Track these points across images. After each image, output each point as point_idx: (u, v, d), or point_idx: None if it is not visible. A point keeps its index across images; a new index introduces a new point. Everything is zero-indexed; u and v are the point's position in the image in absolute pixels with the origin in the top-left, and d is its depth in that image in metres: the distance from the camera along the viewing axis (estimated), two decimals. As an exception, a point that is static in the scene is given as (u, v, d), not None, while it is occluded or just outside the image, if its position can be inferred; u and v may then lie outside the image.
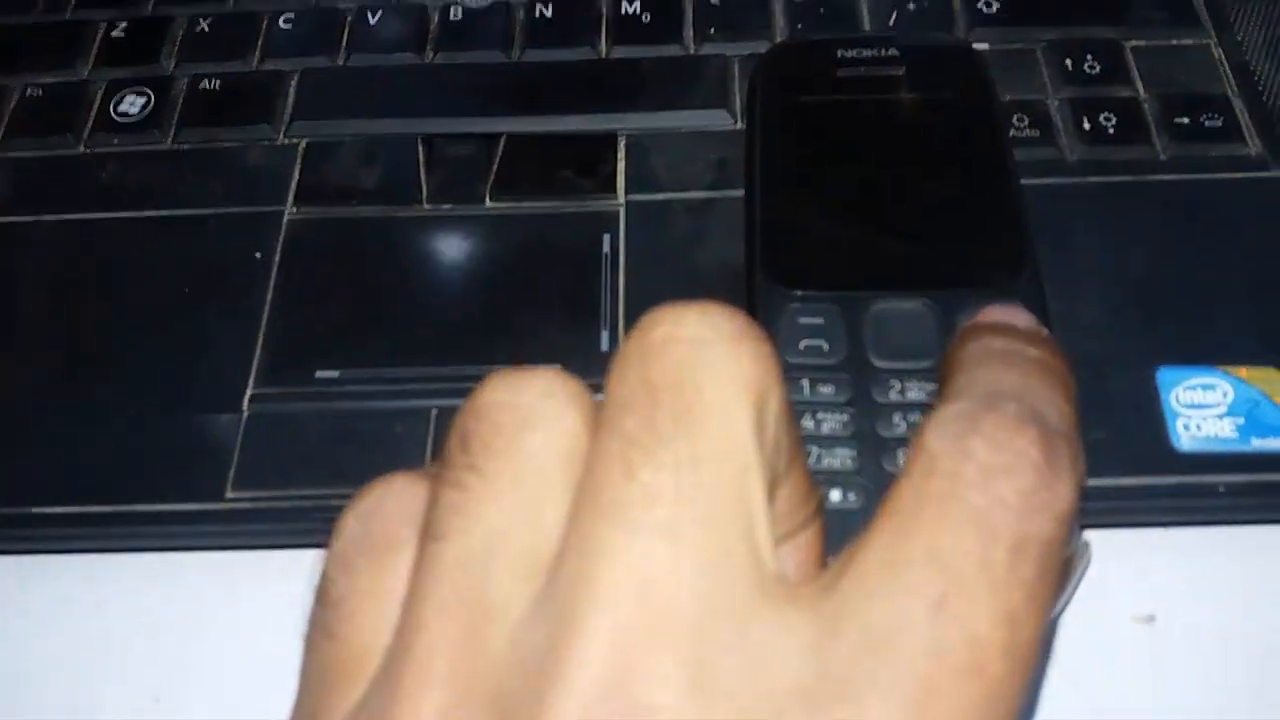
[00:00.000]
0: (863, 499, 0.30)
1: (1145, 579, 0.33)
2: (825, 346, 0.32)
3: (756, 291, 0.33)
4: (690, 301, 0.19)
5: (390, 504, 0.20)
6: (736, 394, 0.18)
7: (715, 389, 0.18)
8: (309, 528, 0.33)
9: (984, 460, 0.18)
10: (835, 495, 0.30)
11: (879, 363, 0.32)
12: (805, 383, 0.31)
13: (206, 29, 0.43)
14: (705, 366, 0.18)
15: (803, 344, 0.32)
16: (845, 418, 0.31)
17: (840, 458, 0.30)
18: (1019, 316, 0.25)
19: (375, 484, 0.20)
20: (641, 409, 0.17)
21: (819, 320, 0.32)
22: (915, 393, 0.31)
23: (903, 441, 0.30)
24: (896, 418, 0.31)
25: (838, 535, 0.22)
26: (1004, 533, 0.18)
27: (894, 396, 0.31)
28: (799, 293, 0.33)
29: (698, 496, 0.17)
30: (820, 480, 0.30)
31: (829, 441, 0.31)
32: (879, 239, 0.34)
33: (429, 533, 0.18)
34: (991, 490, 0.18)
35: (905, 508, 0.19)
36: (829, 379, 0.31)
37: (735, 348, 0.18)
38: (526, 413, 0.19)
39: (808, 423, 0.31)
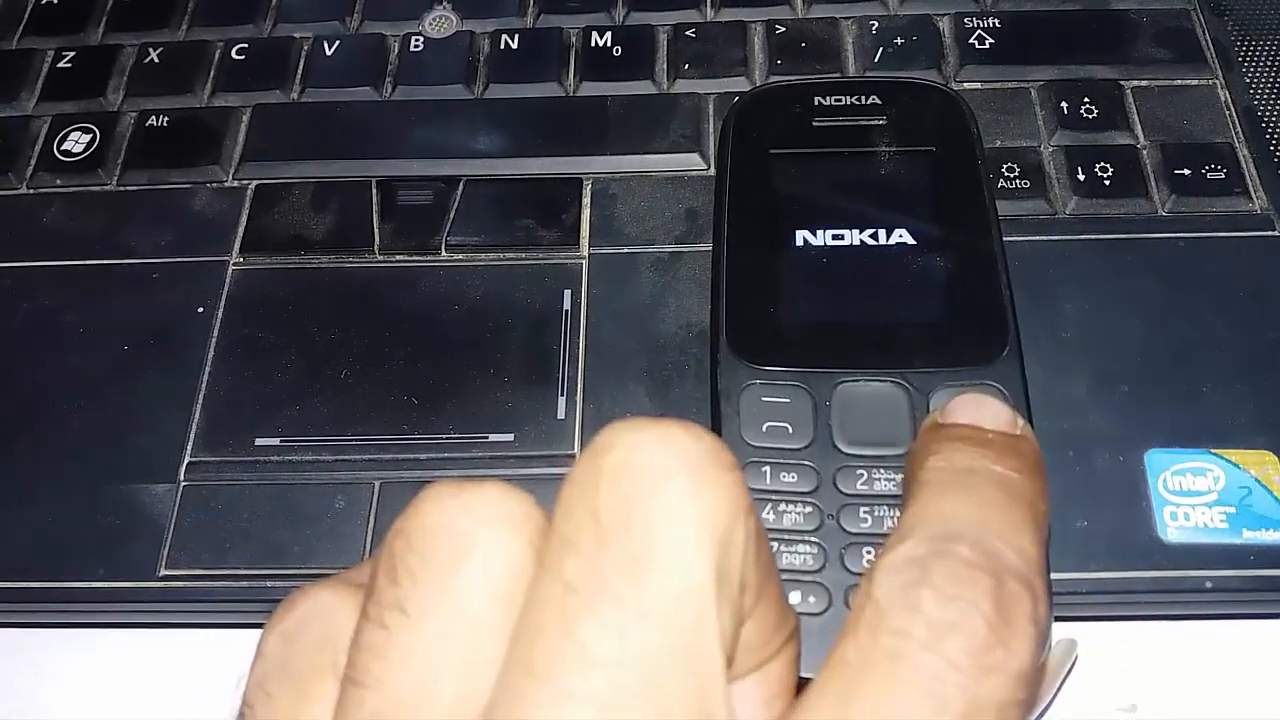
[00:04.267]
0: (824, 601, 0.28)
1: (1128, 669, 0.31)
2: (789, 429, 0.30)
3: (719, 365, 0.31)
4: (650, 421, 0.17)
5: (313, 626, 0.18)
6: (695, 538, 0.16)
7: (670, 533, 0.16)
8: (244, 609, 0.31)
9: (933, 615, 0.17)
10: (794, 597, 0.28)
11: (846, 449, 0.30)
12: (767, 469, 0.30)
13: (156, 59, 0.41)
14: (661, 506, 0.16)
15: (765, 426, 0.30)
16: (808, 509, 0.29)
17: (801, 555, 0.28)
18: (989, 413, 0.23)
19: (299, 597, 0.19)
20: (587, 551, 0.16)
21: (784, 400, 0.30)
22: (883, 483, 0.29)
23: (869, 538, 0.28)
24: (863, 511, 0.29)
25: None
26: (954, 700, 0.17)
27: (860, 487, 0.29)
28: (764, 368, 0.31)
29: (642, 662, 0.15)
30: (780, 580, 0.28)
31: (789, 536, 0.29)
32: (850, 311, 0.32)
33: (350, 676, 0.17)
34: (941, 650, 0.17)
35: (850, 669, 0.18)
36: (792, 466, 0.29)
37: (697, 481, 0.16)
38: (462, 542, 0.17)
39: (768, 514, 0.29)
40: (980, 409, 0.23)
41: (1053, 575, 0.28)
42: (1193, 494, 0.31)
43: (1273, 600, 0.30)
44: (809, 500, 0.29)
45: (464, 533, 0.17)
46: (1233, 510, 0.31)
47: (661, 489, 0.16)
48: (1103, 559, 0.30)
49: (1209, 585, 0.30)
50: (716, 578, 0.16)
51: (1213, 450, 0.32)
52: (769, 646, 0.19)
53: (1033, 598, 0.18)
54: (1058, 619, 0.28)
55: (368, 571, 0.18)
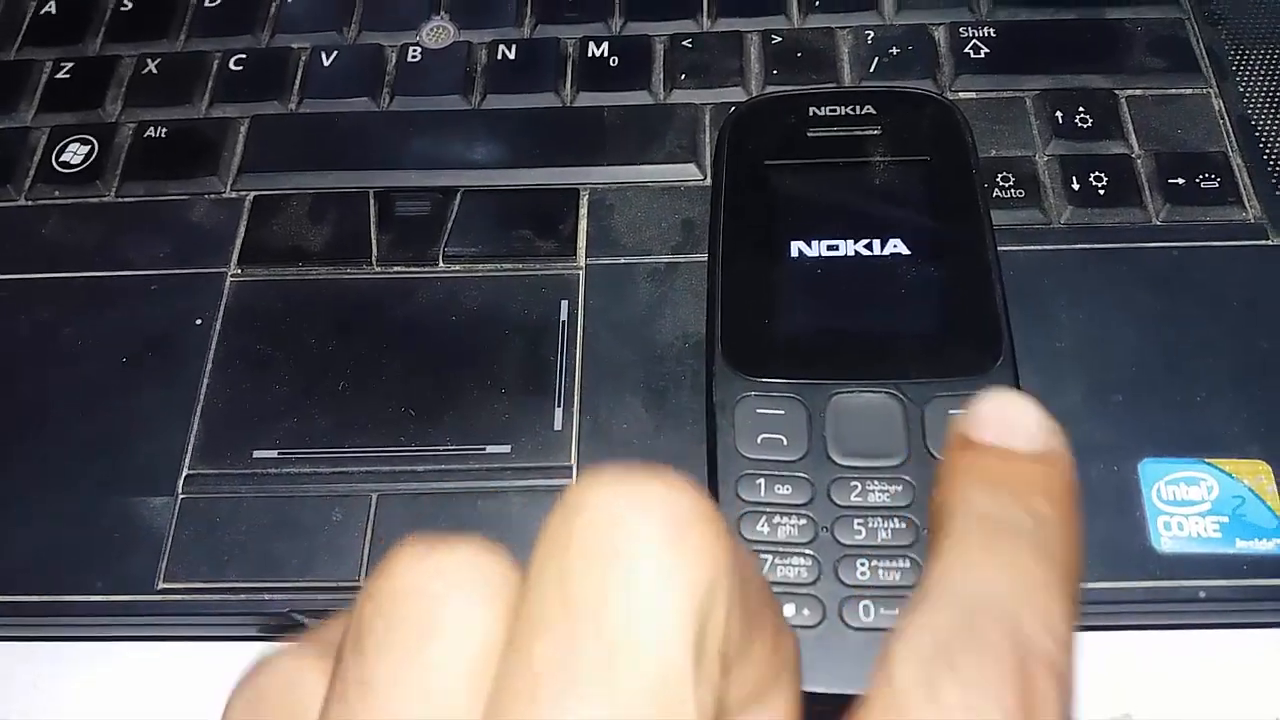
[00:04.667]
0: (818, 614, 0.28)
1: (1121, 678, 0.31)
2: (784, 440, 0.30)
3: (714, 376, 0.31)
4: (625, 476, 0.16)
5: (279, 696, 0.17)
6: (670, 619, 0.15)
7: (643, 618, 0.15)
8: (241, 622, 0.31)
9: (953, 707, 0.16)
10: (789, 609, 0.28)
11: (840, 460, 0.30)
12: (761, 482, 0.30)
13: (154, 70, 0.41)
14: (634, 584, 0.15)
15: (760, 437, 0.30)
16: (802, 522, 0.29)
17: (795, 567, 0.29)
18: (1020, 425, 0.21)
19: (265, 665, 0.18)
20: (556, 633, 0.15)
21: (779, 411, 0.31)
22: (877, 495, 0.29)
23: (862, 550, 0.29)
24: (857, 523, 0.29)
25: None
26: None
27: (854, 499, 0.29)
28: (759, 380, 0.31)
29: None
30: (774, 593, 0.28)
31: (783, 549, 0.29)
32: (844, 322, 0.32)
33: None
34: None
35: None
36: (786, 478, 0.30)
37: (673, 549, 0.15)
38: (432, 609, 0.16)
39: (763, 527, 0.29)
40: (1009, 421, 0.21)
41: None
42: (1186, 504, 0.31)
43: (1266, 609, 0.30)
44: (803, 512, 0.29)
45: (435, 596, 0.16)
46: (1226, 520, 0.31)
47: (634, 563, 0.15)
48: (1097, 569, 0.30)
49: (1202, 595, 0.30)
50: (694, 656, 0.15)
51: (1206, 460, 0.32)
52: (765, 680, 0.18)
53: (1059, 687, 0.17)
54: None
55: (339, 630, 0.17)
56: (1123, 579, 0.30)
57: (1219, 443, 0.32)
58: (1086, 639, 0.31)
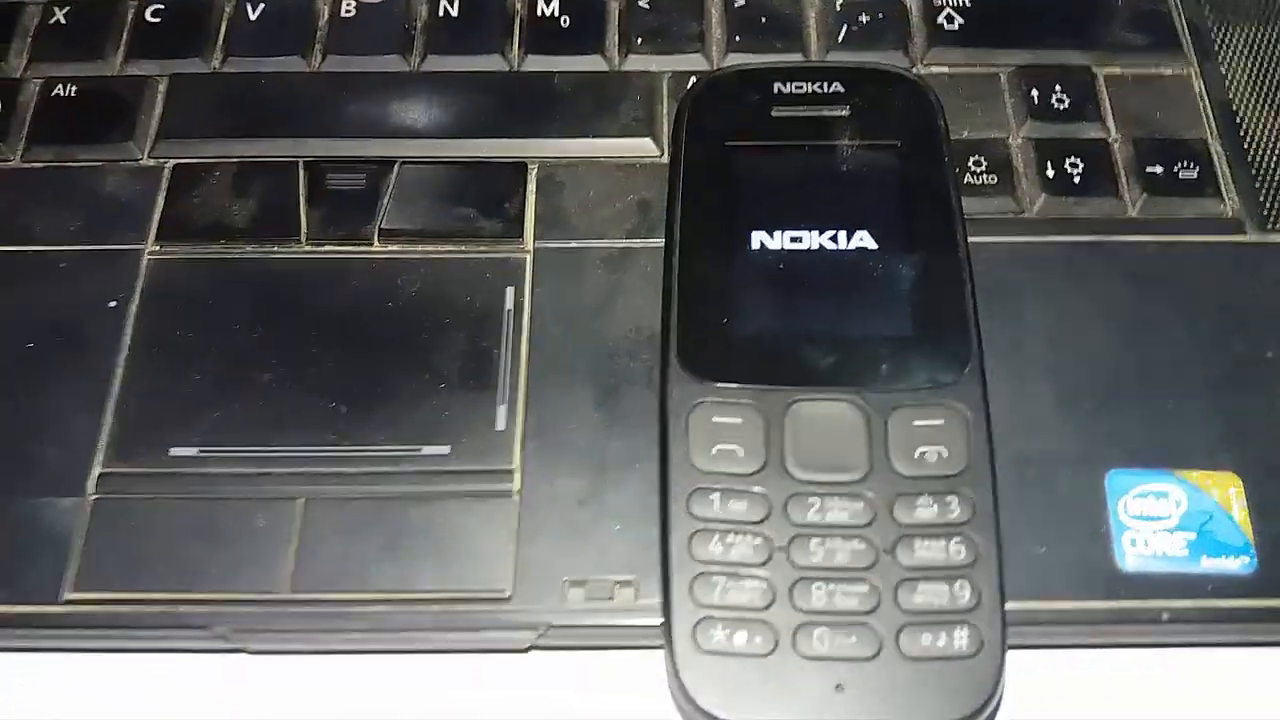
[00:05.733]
0: (770, 642, 0.26)
1: (1080, 697, 0.30)
2: (740, 451, 0.29)
3: (668, 380, 0.29)
4: None
5: None
6: None
7: None
8: (153, 636, 0.29)
9: None
10: (739, 637, 0.26)
11: (798, 474, 0.28)
12: (715, 497, 0.28)
13: (63, 19, 0.38)
14: None
15: (715, 449, 0.29)
16: (758, 541, 0.28)
17: (749, 591, 0.27)
18: None
19: None
20: None
21: (735, 420, 0.29)
22: (836, 513, 0.28)
23: (819, 572, 0.27)
24: (814, 543, 0.27)
25: None
26: None
27: (813, 516, 0.28)
28: (714, 385, 0.29)
29: None
30: (725, 618, 0.27)
31: (736, 570, 0.27)
32: (806, 323, 0.30)
33: None
34: None
35: None
36: (741, 493, 0.28)
37: None
38: None
39: (715, 547, 0.27)
40: None
41: (1009, 604, 0.27)
42: (1153, 519, 0.30)
43: (1230, 631, 0.29)
44: (758, 531, 0.28)
45: None
46: (1193, 537, 0.30)
47: None
48: (1059, 587, 0.29)
49: (1165, 617, 0.29)
50: None
51: (1174, 472, 0.30)
52: None
53: None
54: (1012, 647, 0.27)
55: None
56: (1085, 598, 0.29)
57: (1189, 453, 0.31)
58: (1046, 657, 0.30)
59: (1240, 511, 0.30)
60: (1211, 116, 0.36)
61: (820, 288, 0.30)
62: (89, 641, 0.30)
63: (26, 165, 0.35)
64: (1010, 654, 0.27)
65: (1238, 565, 0.29)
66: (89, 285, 0.33)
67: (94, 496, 0.30)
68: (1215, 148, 0.35)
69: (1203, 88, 0.37)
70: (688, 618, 0.27)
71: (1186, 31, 0.37)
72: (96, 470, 0.31)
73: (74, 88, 0.36)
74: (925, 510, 0.28)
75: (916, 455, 0.28)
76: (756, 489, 0.28)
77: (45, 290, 0.33)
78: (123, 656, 0.30)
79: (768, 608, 0.27)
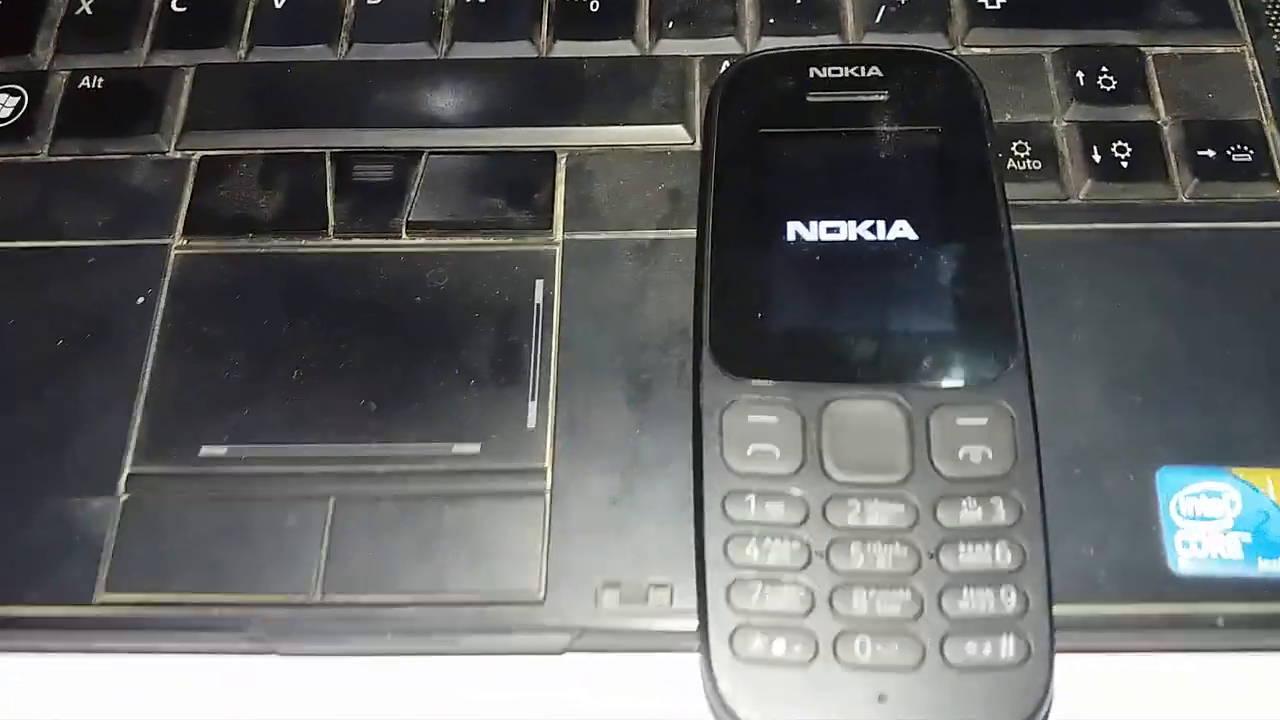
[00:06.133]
0: (810, 650, 0.26)
1: (1133, 702, 0.29)
2: (776, 452, 0.28)
3: (701, 377, 0.29)
4: None
5: None
6: None
7: None
8: (186, 638, 0.29)
9: None
10: (778, 645, 0.26)
11: (837, 475, 0.27)
12: (751, 499, 0.27)
13: (89, 9, 0.37)
14: None
15: (751, 449, 0.28)
16: (796, 545, 0.27)
17: (787, 597, 0.26)
18: None
19: None
20: None
21: (770, 419, 0.28)
22: (877, 516, 0.27)
23: (860, 578, 0.26)
24: (854, 547, 0.27)
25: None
26: None
27: (853, 520, 0.27)
28: (749, 382, 0.28)
29: None
30: (763, 625, 0.26)
31: (775, 575, 0.27)
32: (844, 317, 0.29)
33: None
34: None
35: None
36: (779, 495, 0.27)
37: None
38: None
39: (752, 551, 0.27)
40: None
41: (1057, 608, 0.26)
42: (1206, 519, 0.29)
43: (1287, 635, 0.28)
44: (796, 534, 0.27)
45: None
46: (1248, 538, 0.29)
47: None
48: (1110, 590, 0.28)
49: (1221, 623, 0.28)
50: None
51: (1229, 469, 0.29)
52: None
53: None
54: (1060, 652, 0.26)
55: None
56: (1136, 602, 0.28)
57: (1244, 450, 0.30)
58: (1097, 661, 0.29)
59: (1297, 511, 0.29)
60: (1266, 97, 0.35)
61: (858, 280, 0.30)
62: (122, 642, 0.29)
63: (54, 159, 0.35)
64: (1058, 659, 0.26)
65: (1295, 567, 0.28)
66: (117, 281, 0.33)
67: (124, 496, 0.30)
68: (1270, 129, 0.34)
69: (1256, 66, 0.35)
70: (725, 624, 0.26)
71: (1239, 7, 0.36)
72: (127, 470, 0.30)
73: (100, 80, 0.36)
74: (969, 513, 0.27)
75: (960, 455, 0.27)
76: (794, 491, 0.27)
77: (73, 287, 0.33)
78: (153, 658, 0.30)
79: (807, 614, 0.26)
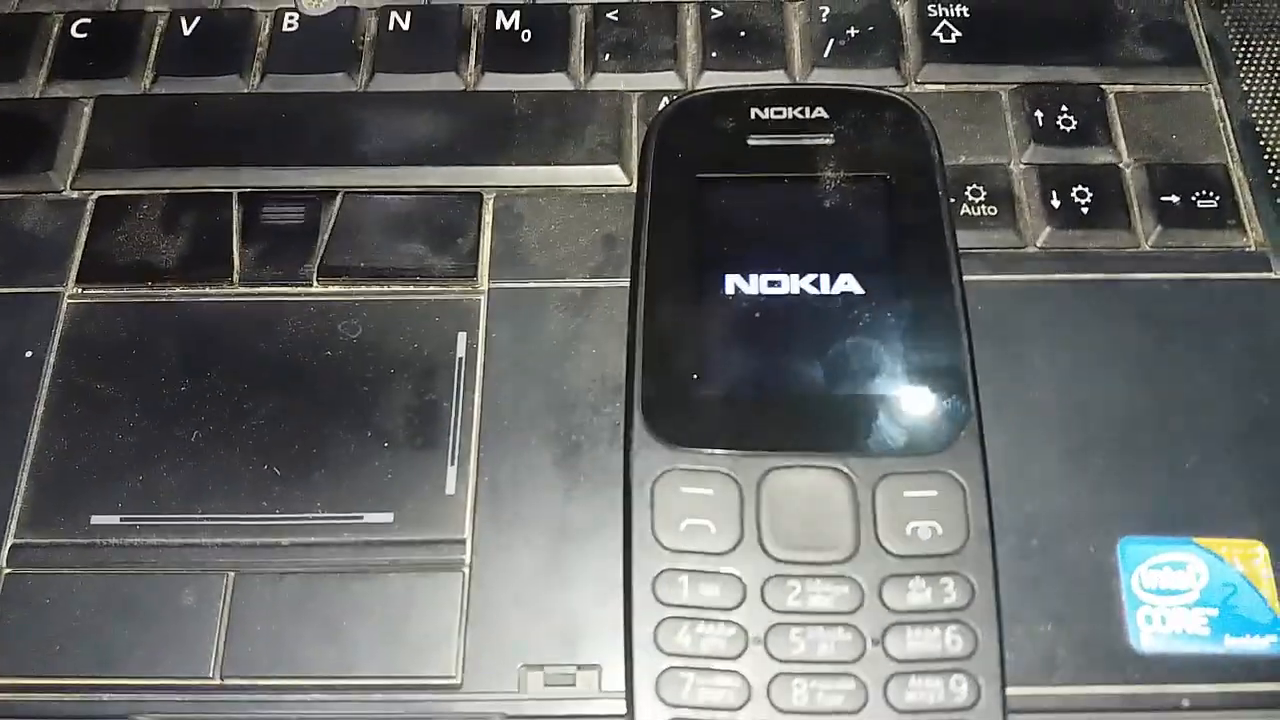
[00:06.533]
0: (746, 748, 0.24)
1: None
2: (711, 527, 0.26)
3: (632, 445, 0.27)
4: None
5: None
6: None
7: None
8: (71, 728, 0.27)
9: None
10: (709, 744, 0.24)
11: (777, 553, 0.25)
12: (684, 580, 0.25)
13: (-19, 35, 0.35)
14: None
15: (685, 524, 0.26)
16: (732, 631, 0.25)
17: (721, 689, 0.24)
18: None
19: None
20: None
21: (706, 490, 0.26)
22: (820, 598, 0.25)
23: (800, 666, 0.24)
24: (794, 633, 0.25)
25: None
26: None
27: (793, 602, 0.25)
28: (684, 450, 0.26)
29: None
30: (695, 718, 0.24)
31: (708, 664, 0.24)
32: (784, 380, 0.27)
33: None
34: None
35: None
36: (713, 575, 0.25)
37: None
38: None
39: (684, 638, 0.25)
40: None
41: (1013, 690, 0.24)
42: (1171, 593, 0.27)
43: (1255, 718, 0.27)
44: (732, 619, 0.25)
45: None
46: (1215, 613, 0.27)
47: None
48: (1069, 670, 0.26)
49: (1186, 704, 0.26)
50: None
51: (1194, 540, 0.28)
52: None
53: None
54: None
55: None
56: (1097, 683, 0.26)
57: (1210, 518, 0.28)
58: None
59: (1268, 584, 0.27)
60: (1233, 139, 0.33)
61: (800, 339, 0.27)
62: (-2, 734, 0.27)
63: (-62, 198, 0.32)
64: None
65: (1266, 644, 0.27)
66: (3, 332, 0.30)
67: (6, 571, 0.28)
68: (1237, 174, 0.32)
69: (1223, 106, 0.33)
70: (654, 716, 0.24)
71: (1205, 45, 0.34)
72: (9, 542, 0.28)
73: (-10, 112, 0.33)
74: (918, 595, 0.25)
75: (908, 532, 0.25)
76: (730, 570, 0.25)
77: (-47, 340, 0.30)
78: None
79: (742, 707, 0.24)
